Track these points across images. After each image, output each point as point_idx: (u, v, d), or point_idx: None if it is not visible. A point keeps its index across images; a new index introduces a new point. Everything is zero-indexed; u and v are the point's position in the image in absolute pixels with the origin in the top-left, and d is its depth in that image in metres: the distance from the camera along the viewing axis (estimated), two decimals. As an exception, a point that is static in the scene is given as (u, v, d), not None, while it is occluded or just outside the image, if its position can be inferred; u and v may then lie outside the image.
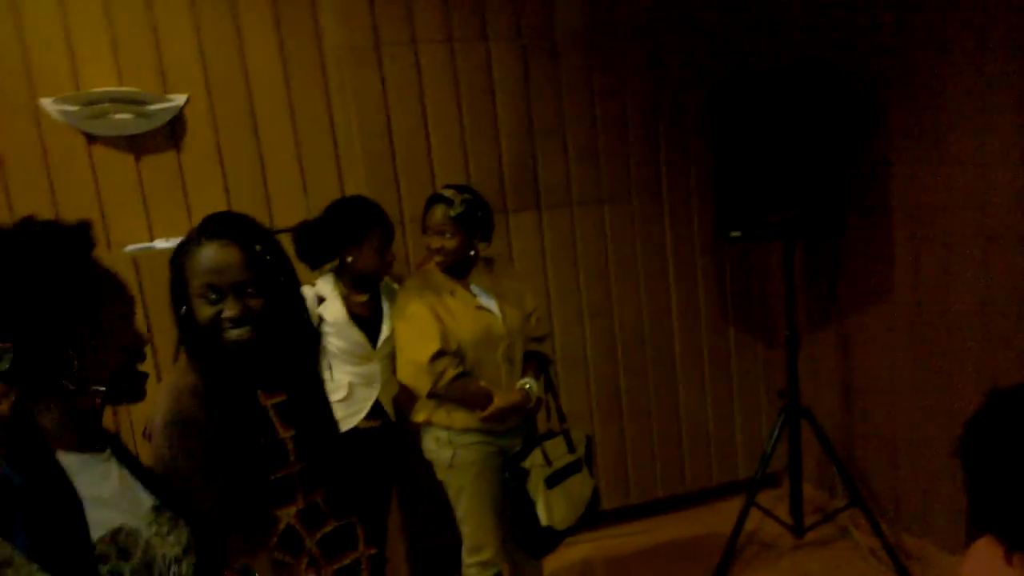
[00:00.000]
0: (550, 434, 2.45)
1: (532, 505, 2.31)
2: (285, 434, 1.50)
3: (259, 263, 1.44)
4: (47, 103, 2.66)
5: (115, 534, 1.00)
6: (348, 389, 2.44)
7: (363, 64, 2.97)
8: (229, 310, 1.40)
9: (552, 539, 2.35)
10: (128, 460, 1.15)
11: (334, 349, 2.40)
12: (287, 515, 1.49)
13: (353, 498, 1.64)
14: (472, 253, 2.37)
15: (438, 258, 2.33)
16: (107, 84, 2.72)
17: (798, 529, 3.16)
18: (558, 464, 2.39)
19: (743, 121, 2.90)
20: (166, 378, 1.46)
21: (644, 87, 3.32)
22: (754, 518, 3.20)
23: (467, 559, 2.41)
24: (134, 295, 1.13)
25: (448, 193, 2.35)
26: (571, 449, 2.45)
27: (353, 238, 2.38)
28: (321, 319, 2.40)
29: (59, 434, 1.01)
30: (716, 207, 3.05)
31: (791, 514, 3.19)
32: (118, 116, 2.73)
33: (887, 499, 3.20)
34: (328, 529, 1.56)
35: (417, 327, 2.28)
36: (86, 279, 1.03)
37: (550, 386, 2.52)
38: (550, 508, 2.33)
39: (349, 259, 2.39)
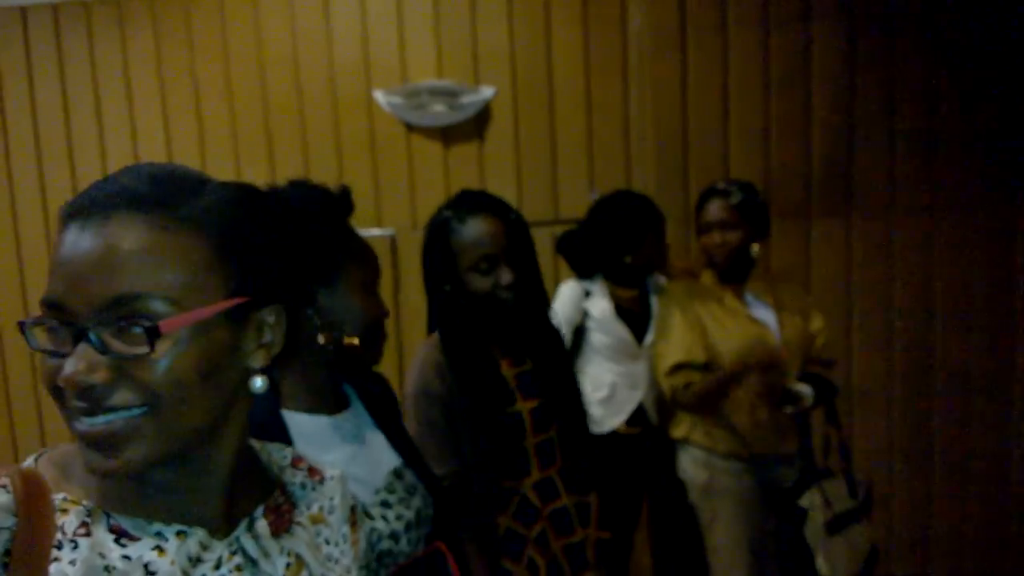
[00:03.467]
0: (827, 472, 2.13)
1: (810, 552, 2.02)
2: (524, 405, 1.52)
3: (515, 233, 1.51)
4: (379, 95, 2.99)
5: None
6: (611, 388, 2.32)
7: (665, 52, 2.84)
8: (506, 276, 1.47)
9: None
10: (384, 422, 1.20)
11: (598, 345, 2.31)
12: (523, 486, 1.51)
13: (592, 477, 1.63)
14: (752, 253, 2.16)
15: (718, 256, 2.15)
16: (428, 76, 2.98)
17: None
18: (839, 508, 2.07)
19: None
20: (417, 354, 1.54)
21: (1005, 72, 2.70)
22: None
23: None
24: (380, 267, 1.19)
25: (722, 185, 2.19)
26: (853, 494, 2.11)
27: (633, 241, 2.29)
28: (586, 313, 2.33)
29: (292, 393, 1.08)
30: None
31: None
32: (435, 107, 2.98)
33: None
34: (560, 504, 1.55)
35: (667, 335, 2.17)
36: (338, 242, 1.09)
37: (833, 418, 2.19)
38: (832, 558, 2.03)
39: (628, 260, 2.30)
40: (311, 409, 1.10)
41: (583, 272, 2.35)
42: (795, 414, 2.12)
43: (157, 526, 0.65)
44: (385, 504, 1.12)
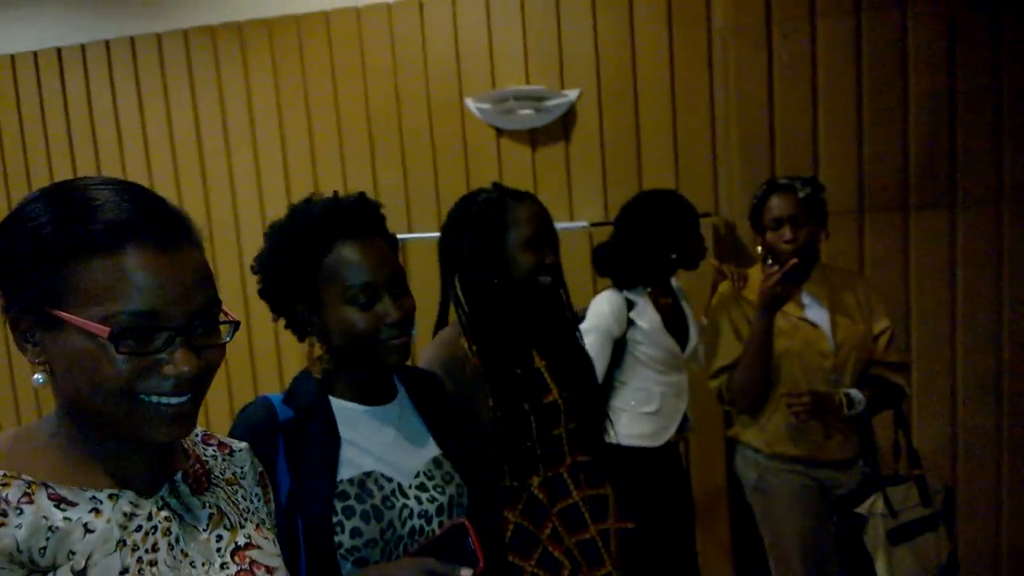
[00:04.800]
0: (898, 479, 2.07)
1: (870, 560, 2.00)
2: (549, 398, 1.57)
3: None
4: (469, 102, 3.14)
5: (364, 478, 1.18)
6: (660, 400, 2.28)
7: (750, 45, 2.80)
8: (551, 257, 1.56)
9: None
10: (426, 409, 1.32)
11: (644, 358, 2.26)
12: (530, 484, 1.55)
13: (606, 470, 1.65)
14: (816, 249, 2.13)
15: (785, 254, 2.09)
16: (516, 82, 3.09)
17: None
18: (906, 517, 2.01)
19: None
20: (425, 351, 1.59)
21: None
22: None
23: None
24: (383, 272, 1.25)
25: (784, 180, 2.14)
26: (925, 502, 2.04)
27: (677, 236, 2.25)
28: (631, 325, 2.26)
29: (340, 383, 1.24)
30: None
31: None
32: (522, 112, 3.09)
33: None
34: (570, 502, 1.57)
35: (713, 339, 2.18)
36: (313, 257, 1.21)
37: (902, 422, 2.12)
38: (893, 568, 1.99)
39: (673, 256, 2.26)
40: (356, 398, 1.24)
41: (628, 282, 2.29)
42: (856, 419, 2.07)
43: (91, 492, 0.76)
44: (421, 487, 1.23)
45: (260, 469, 1.00)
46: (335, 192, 1.26)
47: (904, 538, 2.00)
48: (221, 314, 0.80)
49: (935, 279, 2.73)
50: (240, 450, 0.97)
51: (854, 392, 2.05)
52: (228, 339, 0.81)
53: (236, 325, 0.81)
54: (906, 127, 2.70)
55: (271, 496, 1.00)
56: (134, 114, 3.45)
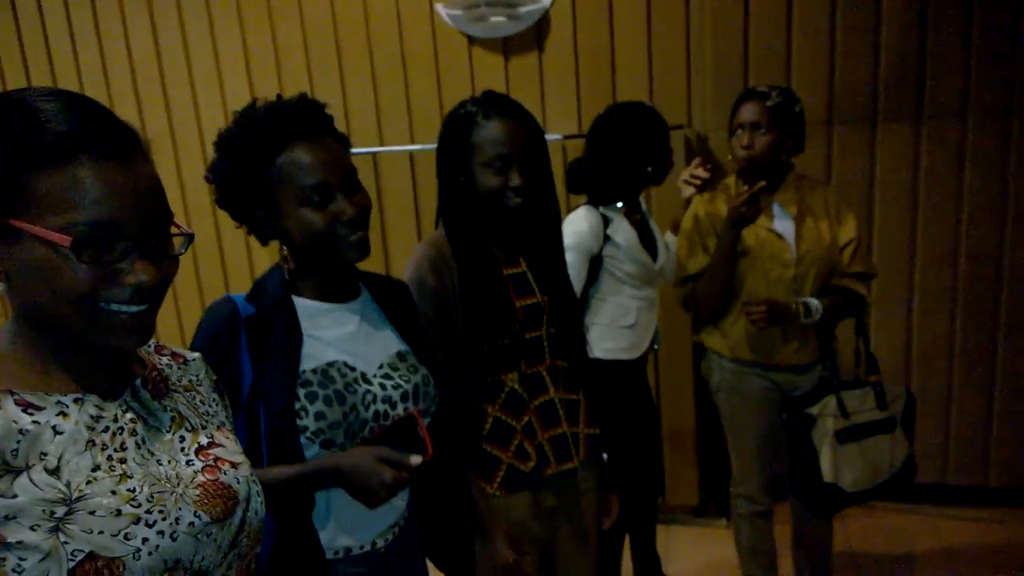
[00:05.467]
0: (857, 383, 2.18)
1: (815, 456, 2.12)
2: (518, 303, 1.61)
3: (533, 143, 1.56)
4: (440, 7, 3.04)
5: (327, 367, 1.22)
6: (636, 314, 2.29)
7: (728, -46, 2.75)
8: (517, 179, 1.52)
9: (837, 500, 2.14)
10: (391, 310, 1.36)
11: (620, 274, 2.26)
12: (510, 380, 1.61)
13: (581, 375, 1.72)
14: (784, 159, 2.16)
15: (743, 159, 2.14)
16: (487, -13, 3.00)
17: None
18: (859, 418, 2.13)
19: None
20: (414, 250, 1.62)
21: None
22: None
23: (734, 489, 2.36)
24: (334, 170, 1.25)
25: (762, 88, 2.17)
26: (881, 405, 2.16)
27: (653, 149, 2.23)
28: (607, 242, 2.23)
29: (303, 283, 1.27)
30: None
31: None
32: (494, 19, 3.01)
33: None
34: (547, 398, 1.65)
35: (682, 251, 2.29)
36: (263, 160, 1.23)
37: (862, 330, 2.21)
38: (837, 465, 2.11)
39: (649, 169, 2.24)
40: (318, 296, 1.27)
41: (603, 198, 2.26)
42: (816, 326, 2.16)
43: (56, 396, 0.79)
44: (386, 376, 1.28)
45: (215, 377, 1.03)
46: (278, 95, 1.27)
47: (854, 437, 2.12)
48: (173, 227, 0.82)
49: (898, 191, 2.80)
50: (193, 359, 1.00)
51: (812, 301, 2.12)
52: (182, 251, 0.83)
53: (190, 238, 0.84)
54: (878, 39, 2.70)
55: (227, 402, 1.03)
56: (88, 22, 3.30)
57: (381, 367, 1.29)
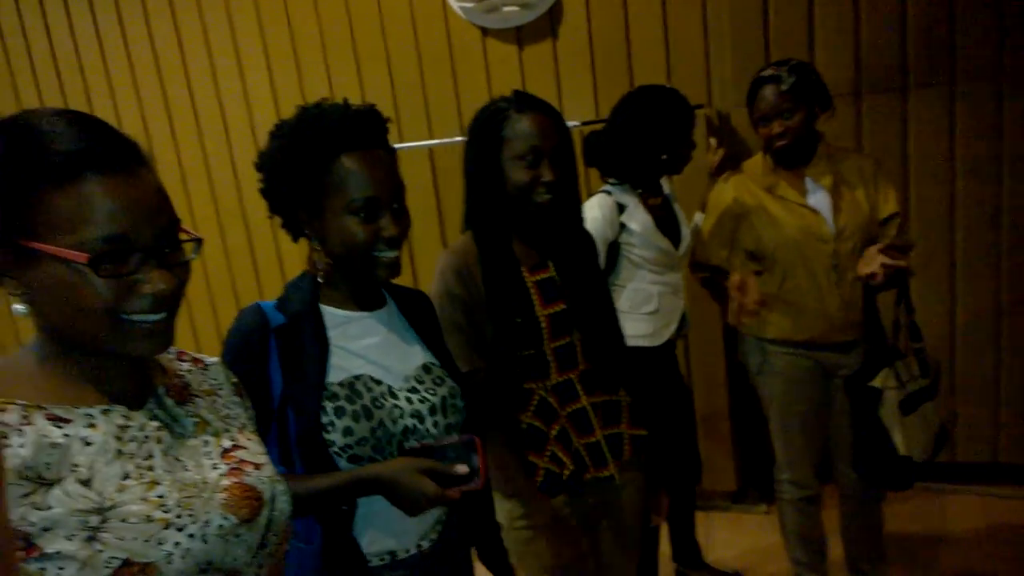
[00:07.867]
0: (897, 352, 2.10)
1: (886, 432, 2.04)
2: (543, 311, 1.57)
3: (564, 139, 1.55)
4: (452, 2, 3.02)
5: (354, 380, 1.21)
6: (658, 300, 2.25)
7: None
8: (548, 174, 1.50)
9: (909, 472, 2.06)
10: (417, 320, 1.35)
11: (638, 260, 2.21)
12: (539, 389, 1.58)
13: (619, 378, 1.68)
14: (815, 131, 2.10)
15: (782, 145, 2.09)
16: (499, -23, 2.97)
17: None
18: (912, 387, 2.05)
19: None
20: (439, 259, 1.60)
21: None
22: None
23: (778, 475, 2.29)
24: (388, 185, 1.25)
25: (769, 72, 2.10)
26: (924, 373, 2.08)
27: (670, 137, 2.16)
28: (623, 228, 2.19)
29: (329, 292, 1.26)
30: None
31: None
32: (506, 8, 2.98)
33: None
34: (579, 406, 1.61)
35: (706, 227, 2.22)
36: (318, 167, 1.22)
37: (905, 301, 2.13)
38: (908, 437, 2.03)
39: (664, 157, 2.18)
40: (344, 305, 1.26)
41: (614, 172, 2.22)
42: (864, 299, 2.09)
43: (84, 409, 0.80)
44: (412, 390, 1.26)
45: (235, 380, 1.03)
46: (345, 100, 1.25)
47: (912, 408, 2.05)
48: (182, 233, 0.84)
49: (934, 158, 2.70)
50: (213, 364, 1.02)
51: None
52: (194, 256, 0.85)
53: (199, 242, 0.86)
54: (904, 5, 2.61)
55: (249, 404, 1.04)
56: (115, 28, 3.37)
57: (407, 380, 1.27)
